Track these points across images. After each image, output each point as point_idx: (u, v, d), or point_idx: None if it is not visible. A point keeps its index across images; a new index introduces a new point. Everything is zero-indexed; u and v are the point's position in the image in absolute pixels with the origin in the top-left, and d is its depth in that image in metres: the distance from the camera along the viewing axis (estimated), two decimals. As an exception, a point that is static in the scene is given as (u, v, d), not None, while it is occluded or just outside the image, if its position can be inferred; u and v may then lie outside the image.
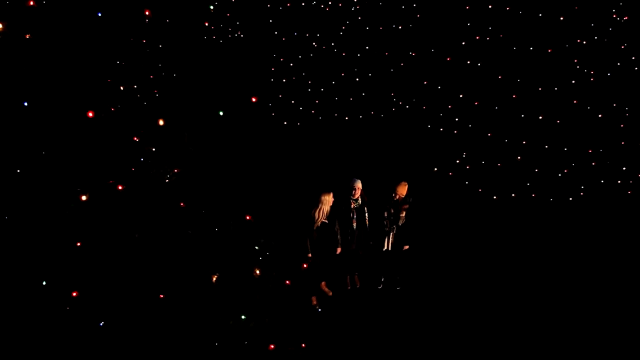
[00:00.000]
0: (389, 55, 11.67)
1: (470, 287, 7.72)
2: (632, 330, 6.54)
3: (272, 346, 4.02)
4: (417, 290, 7.70)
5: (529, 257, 8.36)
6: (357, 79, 11.70)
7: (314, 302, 7.41)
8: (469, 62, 10.53)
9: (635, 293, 7.37)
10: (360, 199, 7.68)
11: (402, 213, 7.60)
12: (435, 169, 9.75)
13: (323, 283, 7.77)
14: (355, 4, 12.28)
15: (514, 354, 6.22)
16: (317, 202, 7.35)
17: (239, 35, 12.16)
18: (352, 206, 7.65)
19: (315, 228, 7.37)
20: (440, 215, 9.19)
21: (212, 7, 9.48)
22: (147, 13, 6.78)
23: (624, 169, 9.43)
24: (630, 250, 8.41)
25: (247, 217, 4.41)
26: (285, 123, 11.28)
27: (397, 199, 7.58)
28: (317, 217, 7.36)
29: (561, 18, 10.78)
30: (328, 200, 7.37)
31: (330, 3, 12.30)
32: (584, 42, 10.33)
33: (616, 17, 10.52)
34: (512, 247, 8.63)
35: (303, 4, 12.33)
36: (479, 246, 8.70)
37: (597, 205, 9.39)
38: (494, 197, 9.39)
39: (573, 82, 10.04)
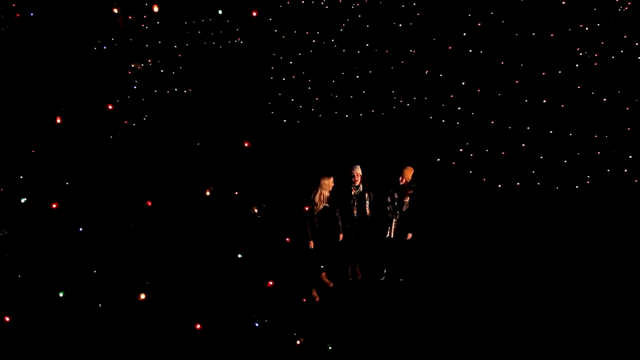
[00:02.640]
0: (389, 53, 11.62)
1: (475, 278, 7.50)
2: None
3: (271, 283, 3.82)
4: (421, 282, 7.49)
5: (534, 247, 8.17)
6: (358, 77, 11.63)
7: (314, 294, 7.21)
8: (470, 51, 10.47)
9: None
10: (361, 185, 7.55)
11: (406, 198, 7.46)
12: (439, 159, 9.61)
13: (324, 274, 7.58)
14: (355, 2, 12.29)
15: (518, 349, 5.94)
16: (317, 187, 7.24)
17: (238, 34, 12.18)
18: (352, 193, 7.53)
19: (316, 213, 7.23)
20: (444, 204, 9.03)
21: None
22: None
23: (630, 157, 9.27)
24: (637, 239, 8.20)
25: (246, 144, 4.25)
26: (285, 121, 11.19)
27: (403, 184, 7.44)
28: (317, 201, 7.22)
29: (563, 3, 10.75)
30: (328, 184, 7.24)
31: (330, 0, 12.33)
32: (587, 28, 10.28)
33: (618, 2, 10.51)
34: (517, 237, 8.44)
35: (303, 1, 12.35)
36: (484, 236, 8.52)
37: (603, 193, 9.21)
38: (499, 186, 9.23)
39: (577, 65, 9.96)
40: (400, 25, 11.79)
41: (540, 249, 8.15)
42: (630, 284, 7.16)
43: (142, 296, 3.29)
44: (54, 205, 3.35)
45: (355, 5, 12.24)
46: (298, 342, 3.88)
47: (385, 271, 7.72)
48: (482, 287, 7.27)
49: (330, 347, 4.48)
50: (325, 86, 11.62)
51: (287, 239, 4.16)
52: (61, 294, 3.24)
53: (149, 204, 3.54)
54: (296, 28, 12.20)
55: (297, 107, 11.40)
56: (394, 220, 7.52)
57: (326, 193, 7.23)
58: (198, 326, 3.47)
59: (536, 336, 6.11)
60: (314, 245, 7.20)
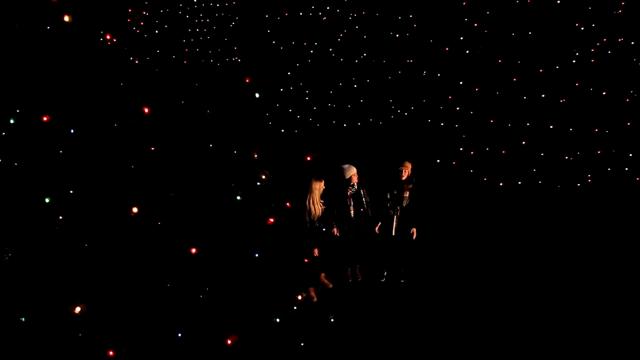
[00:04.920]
0: (386, 62, 11.70)
1: (477, 278, 7.30)
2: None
3: (272, 220, 3.69)
4: (422, 283, 7.29)
5: (536, 246, 8.04)
6: (355, 86, 11.69)
7: (312, 294, 7.02)
8: (467, 51, 10.55)
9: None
10: (355, 184, 7.45)
11: (406, 193, 7.35)
12: (439, 160, 9.55)
13: (323, 274, 7.39)
14: (352, 13, 12.46)
15: (520, 350, 5.72)
16: (308, 191, 7.10)
17: (237, 45, 12.32)
18: (349, 193, 7.42)
19: (316, 219, 7.06)
20: (446, 204, 8.94)
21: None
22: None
23: (630, 155, 9.23)
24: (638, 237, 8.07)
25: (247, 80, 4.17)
26: (282, 130, 11.18)
27: (404, 179, 7.35)
28: (310, 207, 7.07)
29: (558, 1, 10.92)
30: (319, 187, 7.11)
31: (327, 9, 12.49)
32: (582, 28, 10.41)
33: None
34: (519, 235, 8.32)
35: (301, 13, 12.52)
36: (486, 236, 8.39)
37: (605, 191, 9.15)
38: (500, 185, 9.15)
39: (574, 62, 10.01)
40: (397, 35, 11.92)
41: (542, 248, 8.00)
42: (632, 283, 6.96)
43: (135, 209, 3.16)
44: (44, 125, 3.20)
45: (352, 16, 12.40)
46: (299, 297, 3.73)
47: (385, 272, 7.54)
48: (484, 287, 7.06)
49: (332, 320, 4.33)
50: (323, 96, 11.67)
51: (288, 204, 4.06)
52: (47, 200, 3.11)
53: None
54: (294, 39, 12.34)
55: (294, 117, 11.42)
56: (395, 216, 7.40)
57: (317, 196, 7.10)
58: (193, 250, 3.35)
59: (537, 337, 5.90)
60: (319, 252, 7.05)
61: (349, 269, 7.66)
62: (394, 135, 10.31)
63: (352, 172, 7.44)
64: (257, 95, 5.49)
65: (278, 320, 3.34)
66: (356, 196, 7.43)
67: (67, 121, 3.34)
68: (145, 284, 3.17)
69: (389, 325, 6.23)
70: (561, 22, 10.82)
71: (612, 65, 10.38)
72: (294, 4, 12.69)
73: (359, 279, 7.58)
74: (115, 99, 3.71)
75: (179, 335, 3.02)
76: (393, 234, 7.40)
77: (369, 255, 7.61)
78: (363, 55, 11.91)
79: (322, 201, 7.13)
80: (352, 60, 11.94)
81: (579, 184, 9.09)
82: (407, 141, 10.13)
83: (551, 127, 9.48)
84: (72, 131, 3.30)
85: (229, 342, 3.04)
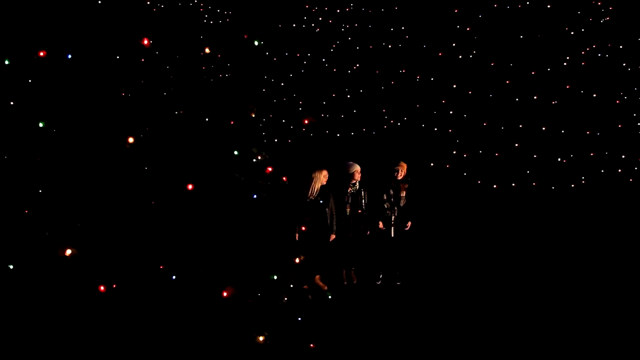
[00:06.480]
0: (379, 72, 11.82)
1: (473, 281, 7.27)
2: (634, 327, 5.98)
3: (270, 169, 3.64)
4: (419, 286, 7.23)
5: (532, 248, 8.07)
6: (349, 96, 11.76)
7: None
8: (460, 57, 10.70)
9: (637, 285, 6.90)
10: (357, 184, 7.41)
11: (403, 192, 7.35)
12: (432, 164, 9.59)
13: (317, 277, 7.28)
14: (345, 24, 12.62)
15: (516, 351, 5.61)
16: (309, 179, 7.09)
17: (230, 56, 12.39)
18: (349, 191, 7.36)
19: (305, 203, 7.02)
20: (441, 207, 8.95)
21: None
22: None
23: (623, 157, 9.33)
24: (633, 239, 8.11)
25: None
26: (276, 140, 11.18)
27: (400, 178, 7.37)
28: (307, 194, 7.06)
29: (548, 6, 11.18)
30: (320, 177, 7.09)
31: (320, 20, 12.65)
32: (572, 32, 10.63)
33: (600, 6, 10.92)
34: (514, 237, 8.35)
35: (294, 25, 12.68)
36: (481, 238, 8.40)
37: (599, 192, 9.23)
38: (494, 187, 9.18)
39: (565, 64, 10.18)
40: (389, 46, 12.08)
41: (537, 249, 8.04)
42: (628, 283, 6.96)
43: (130, 140, 3.10)
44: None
45: (345, 27, 12.56)
46: (297, 260, 3.65)
47: (381, 275, 7.47)
48: (480, 289, 7.01)
49: (330, 297, 4.25)
50: (317, 106, 11.72)
51: (284, 178, 4.01)
52: (41, 125, 3.01)
53: None
54: (287, 50, 12.45)
55: (288, 128, 11.45)
56: (393, 217, 7.37)
57: (318, 185, 7.09)
58: (190, 187, 3.30)
59: (532, 338, 5.79)
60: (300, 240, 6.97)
61: (344, 272, 7.56)
62: (388, 140, 10.36)
63: (355, 168, 7.39)
64: (255, 42, 5.51)
65: (275, 277, 3.26)
66: (355, 196, 7.38)
67: (64, 49, 3.29)
68: (139, 221, 3.09)
69: (384, 325, 6.12)
70: (552, 27, 11.05)
71: (602, 69, 10.59)
72: (287, 16, 12.86)
73: (355, 282, 7.49)
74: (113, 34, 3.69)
75: (173, 277, 2.95)
76: (392, 235, 7.36)
77: (365, 258, 7.54)
78: (356, 66, 12.04)
79: (319, 188, 7.07)
80: (345, 71, 12.05)
81: (572, 186, 9.15)
82: (401, 145, 10.18)
83: (544, 129, 9.60)
84: (69, 56, 3.25)
85: (225, 294, 2.96)
